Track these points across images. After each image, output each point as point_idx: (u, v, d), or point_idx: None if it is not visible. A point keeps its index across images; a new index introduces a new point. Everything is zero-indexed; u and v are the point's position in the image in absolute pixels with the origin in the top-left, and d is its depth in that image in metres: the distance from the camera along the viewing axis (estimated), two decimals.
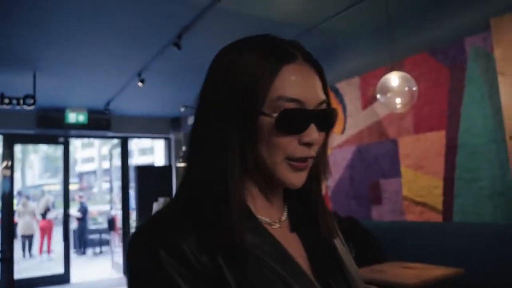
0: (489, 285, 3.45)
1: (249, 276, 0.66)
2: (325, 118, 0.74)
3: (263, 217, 0.76)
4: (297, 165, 0.72)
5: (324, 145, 0.80)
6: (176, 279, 0.62)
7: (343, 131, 5.12)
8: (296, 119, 0.70)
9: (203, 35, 3.95)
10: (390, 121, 4.52)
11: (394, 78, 3.17)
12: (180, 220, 0.68)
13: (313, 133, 0.71)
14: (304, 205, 0.83)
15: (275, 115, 0.69)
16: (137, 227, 0.67)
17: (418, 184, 4.24)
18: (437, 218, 4.05)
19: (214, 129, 0.71)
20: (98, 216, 14.30)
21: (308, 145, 0.72)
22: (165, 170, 8.41)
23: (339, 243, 0.85)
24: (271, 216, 0.78)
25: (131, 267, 0.66)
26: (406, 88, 3.15)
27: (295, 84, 0.71)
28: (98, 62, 4.74)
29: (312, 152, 0.73)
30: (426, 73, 4.14)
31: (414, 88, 3.17)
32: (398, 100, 3.15)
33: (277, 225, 0.78)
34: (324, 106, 0.75)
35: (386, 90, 3.16)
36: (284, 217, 0.81)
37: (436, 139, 4.07)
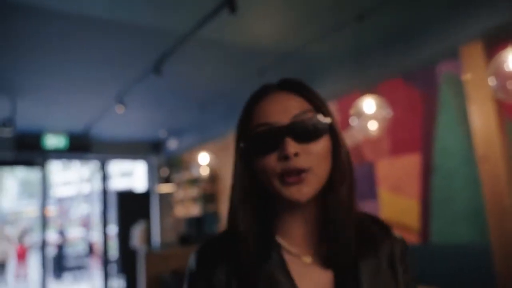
0: None
1: None
2: (300, 129, 0.74)
3: (292, 249, 0.78)
4: (287, 179, 0.73)
5: (336, 152, 0.78)
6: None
7: None
8: (263, 139, 0.74)
9: (183, 61, 4.01)
10: (368, 144, 4.61)
11: (368, 103, 3.25)
12: (215, 248, 0.80)
13: (288, 146, 0.71)
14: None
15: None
16: (197, 249, 0.82)
17: (396, 205, 4.31)
18: (415, 239, 4.12)
19: (233, 167, 0.82)
20: (77, 241, 14.01)
21: (286, 158, 0.72)
22: (145, 196, 8.45)
23: (372, 265, 0.78)
24: (302, 249, 0.79)
25: (186, 271, 0.82)
26: (380, 113, 3.23)
27: (265, 111, 0.76)
28: (78, 87, 4.75)
29: (296, 163, 0.72)
30: (400, 98, 4.26)
31: (388, 113, 3.25)
32: (372, 125, 3.22)
33: (309, 259, 0.78)
34: (304, 117, 0.75)
35: (360, 114, 3.24)
36: (321, 253, 0.78)
37: (412, 162, 4.16)
